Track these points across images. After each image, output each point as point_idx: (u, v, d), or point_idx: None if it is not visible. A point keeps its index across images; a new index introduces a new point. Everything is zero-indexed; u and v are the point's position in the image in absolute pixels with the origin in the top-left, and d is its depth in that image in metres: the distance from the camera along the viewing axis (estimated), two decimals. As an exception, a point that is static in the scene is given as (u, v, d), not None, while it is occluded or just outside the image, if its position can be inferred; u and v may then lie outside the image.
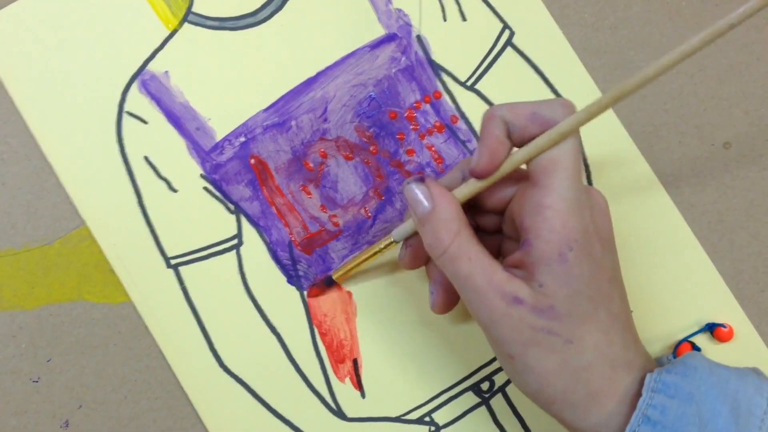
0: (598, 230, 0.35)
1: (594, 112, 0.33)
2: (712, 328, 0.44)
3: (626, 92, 0.32)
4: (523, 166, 0.35)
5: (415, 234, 0.38)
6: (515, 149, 0.35)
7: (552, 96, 0.45)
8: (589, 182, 0.45)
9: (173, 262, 0.43)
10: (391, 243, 0.39)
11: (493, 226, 0.39)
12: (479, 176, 0.35)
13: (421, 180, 0.36)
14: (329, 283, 0.43)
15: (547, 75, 0.45)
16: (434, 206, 0.35)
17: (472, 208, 0.37)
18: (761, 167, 0.45)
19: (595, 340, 0.34)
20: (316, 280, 0.43)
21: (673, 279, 0.44)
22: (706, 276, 0.44)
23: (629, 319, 0.36)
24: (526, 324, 0.33)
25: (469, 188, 0.35)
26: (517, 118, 0.34)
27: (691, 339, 0.43)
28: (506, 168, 0.35)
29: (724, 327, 0.43)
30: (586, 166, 0.45)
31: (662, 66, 0.31)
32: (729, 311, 0.44)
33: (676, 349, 0.43)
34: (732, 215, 0.45)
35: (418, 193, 0.35)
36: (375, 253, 0.40)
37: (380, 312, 0.43)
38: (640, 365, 0.35)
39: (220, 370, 0.43)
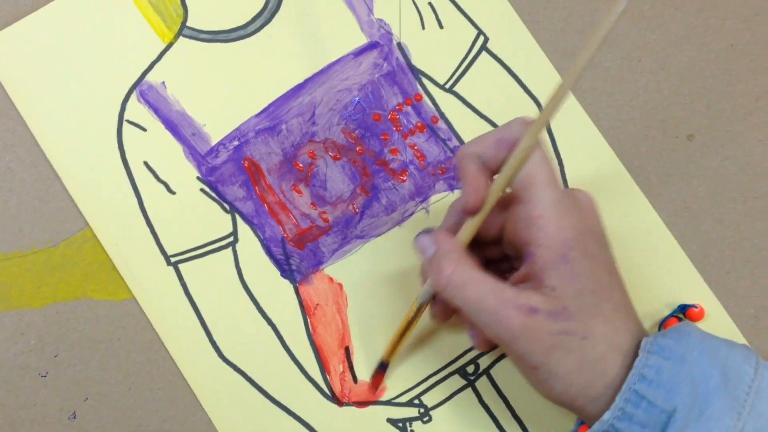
0: (590, 228, 0.37)
1: (543, 120, 0.36)
2: (684, 309, 0.46)
3: (561, 97, 0.35)
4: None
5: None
6: (495, 177, 0.37)
7: (525, 95, 0.48)
8: (564, 177, 0.48)
9: (173, 259, 0.46)
10: (420, 306, 0.41)
11: (500, 254, 0.41)
12: (472, 212, 0.38)
13: (428, 231, 0.39)
14: (384, 367, 0.44)
15: (521, 77, 0.48)
16: (436, 248, 0.38)
17: (477, 246, 0.40)
18: (723, 157, 0.48)
19: (603, 331, 0.36)
20: (373, 374, 0.45)
21: (645, 264, 0.47)
22: (676, 260, 0.47)
23: (630, 307, 0.38)
24: (546, 331, 0.35)
25: (468, 229, 0.38)
26: (485, 149, 0.37)
27: (666, 320, 0.46)
28: (493, 197, 0.37)
29: (695, 307, 0.46)
30: (560, 162, 0.48)
31: (577, 72, 0.35)
32: (698, 293, 0.47)
33: (661, 325, 0.46)
34: (698, 202, 0.48)
35: (423, 241, 0.39)
36: (410, 323, 0.42)
37: (370, 302, 0.46)
38: (642, 343, 0.37)
39: (220, 360, 0.45)
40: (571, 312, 0.35)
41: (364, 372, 0.45)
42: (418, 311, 0.41)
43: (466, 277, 0.36)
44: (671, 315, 0.46)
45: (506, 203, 0.38)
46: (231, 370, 0.45)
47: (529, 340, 0.35)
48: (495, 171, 0.38)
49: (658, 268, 0.47)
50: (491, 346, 0.42)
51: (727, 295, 0.47)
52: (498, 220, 0.39)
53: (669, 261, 0.47)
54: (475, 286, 0.36)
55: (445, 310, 0.42)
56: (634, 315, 0.38)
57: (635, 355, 0.36)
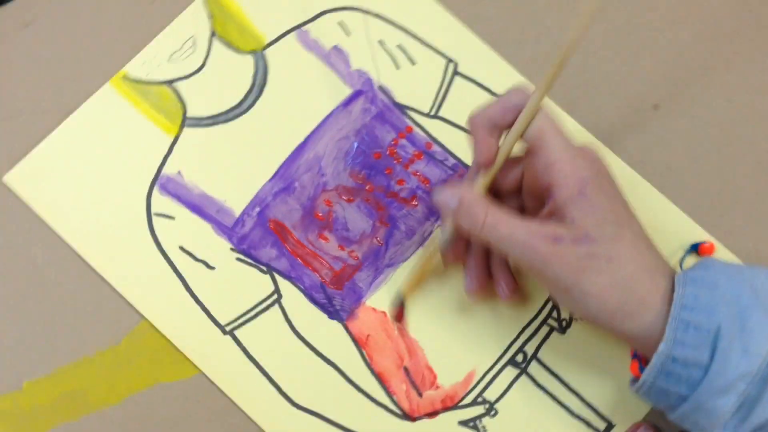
0: (601, 171, 0.43)
1: (547, 83, 0.41)
2: (696, 247, 0.51)
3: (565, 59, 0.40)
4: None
5: (453, 236, 0.45)
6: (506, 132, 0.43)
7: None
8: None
9: (228, 328, 0.49)
10: (441, 251, 0.46)
11: (518, 206, 0.47)
12: (487, 165, 0.43)
13: (444, 186, 0.44)
14: (402, 304, 0.50)
15: (493, 90, 0.53)
16: (461, 196, 0.43)
17: (497, 199, 0.45)
18: (691, 117, 0.53)
19: (629, 254, 0.41)
20: (393, 309, 0.50)
21: (645, 223, 0.51)
22: (671, 215, 0.51)
23: (649, 238, 0.43)
24: (572, 255, 0.40)
25: (484, 177, 0.44)
26: (493, 114, 0.43)
27: (685, 257, 0.51)
28: (505, 149, 0.43)
29: (706, 243, 0.51)
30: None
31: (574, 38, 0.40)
32: (698, 238, 0.51)
33: (682, 263, 0.51)
34: (678, 162, 0.52)
35: (445, 194, 0.44)
36: (425, 265, 0.48)
37: (413, 318, 0.50)
38: (669, 271, 0.42)
39: (293, 408, 0.48)
40: (593, 237, 0.40)
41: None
42: (432, 255, 0.47)
43: (497, 217, 0.42)
44: (687, 253, 0.50)
45: (521, 159, 0.44)
46: (306, 414, 0.48)
47: (558, 265, 0.40)
48: (503, 129, 0.43)
49: (658, 223, 0.51)
50: (483, 293, 0.48)
51: (725, 235, 0.51)
52: (515, 174, 0.45)
53: (665, 217, 0.51)
54: (507, 224, 0.41)
55: (457, 254, 0.47)
56: (653, 244, 0.43)
57: (663, 274, 0.41)
